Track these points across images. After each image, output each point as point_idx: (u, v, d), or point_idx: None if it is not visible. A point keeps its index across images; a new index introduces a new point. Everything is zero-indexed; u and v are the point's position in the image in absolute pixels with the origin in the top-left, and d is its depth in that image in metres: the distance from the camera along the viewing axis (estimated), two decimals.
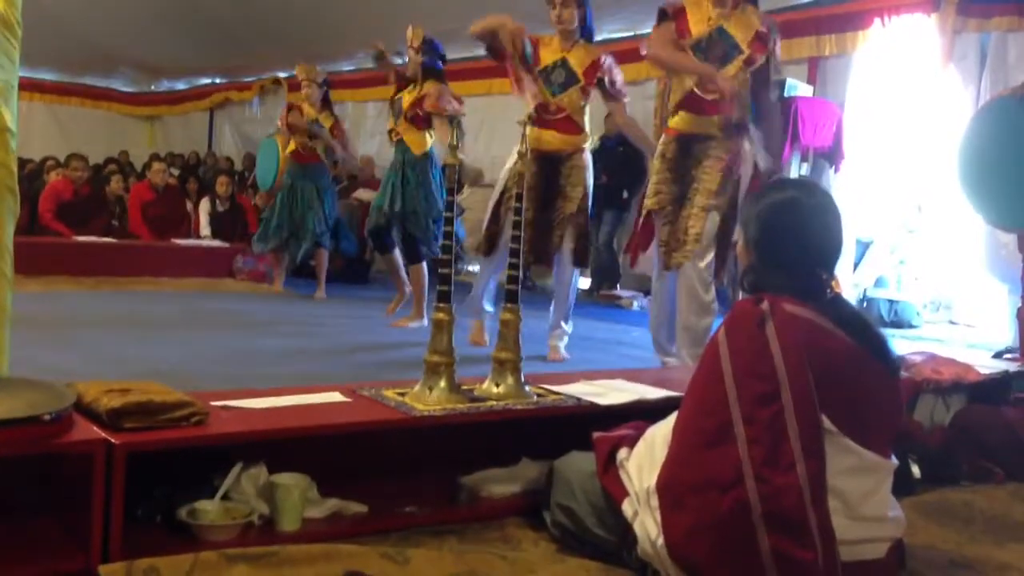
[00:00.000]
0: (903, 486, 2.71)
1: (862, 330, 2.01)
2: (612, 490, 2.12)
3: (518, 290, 2.78)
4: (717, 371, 1.94)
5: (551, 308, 4.97)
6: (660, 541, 1.93)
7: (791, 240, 2.06)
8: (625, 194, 8.50)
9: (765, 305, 1.95)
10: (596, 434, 2.28)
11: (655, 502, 1.96)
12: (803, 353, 1.90)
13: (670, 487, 1.95)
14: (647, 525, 1.98)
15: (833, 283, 2.08)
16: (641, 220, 4.48)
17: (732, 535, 1.84)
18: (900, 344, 5.71)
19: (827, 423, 1.90)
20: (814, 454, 1.86)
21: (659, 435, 2.09)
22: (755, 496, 1.83)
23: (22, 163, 8.88)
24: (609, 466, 2.17)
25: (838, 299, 2.07)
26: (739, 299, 2.07)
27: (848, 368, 1.95)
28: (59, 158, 10.52)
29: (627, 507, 2.05)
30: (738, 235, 2.22)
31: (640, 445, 2.14)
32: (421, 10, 8.61)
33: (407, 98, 5.79)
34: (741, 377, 1.91)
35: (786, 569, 1.80)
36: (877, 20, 6.84)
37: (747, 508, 1.83)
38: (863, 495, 1.95)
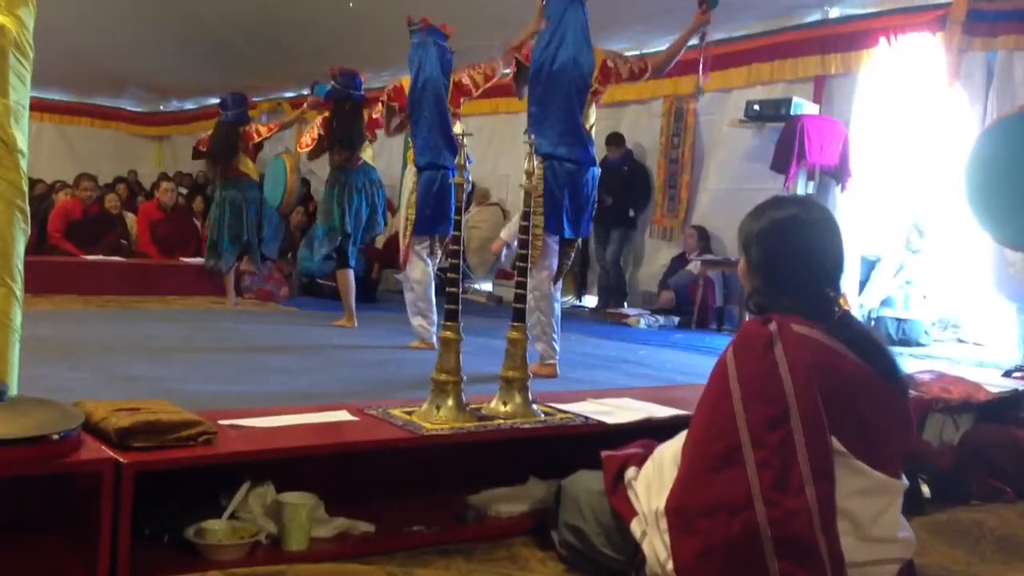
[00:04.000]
0: (913, 506, 2.70)
1: (871, 349, 2.00)
2: (620, 509, 2.11)
3: (525, 309, 2.78)
4: (725, 393, 1.93)
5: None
6: (669, 565, 1.91)
7: (795, 260, 2.03)
8: (631, 212, 8.51)
9: (773, 326, 1.93)
10: (605, 452, 2.27)
11: (664, 524, 1.95)
12: (812, 375, 1.88)
13: (679, 510, 1.93)
14: (656, 547, 1.97)
15: (841, 300, 2.05)
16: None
17: (742, 559, 1.83)
18: (908, 363, 5.68)
19: (837, 445, 1.88)
20: (824, 477, 1.85)
21: (668, 455, 2.08)
22: (764, 520, 1.81)
23: (31, 183, 8.93)
24: (617, 485, 2.15)
25: (846, 317, 2.05)
26: (746, 320, 2.05)
27: (857, 389, 1.94)
28: (68, 181, 10.57)
29: (635, 527, 2.04)
30: (739, 256, 2.20)
31: (648, 465, 2.13)
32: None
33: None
34: (749, 400, 1.89)
35: None
36: (883, 39, 6.85)
37: (756, 532, 1.81)
38: (873, 516, 1.94)
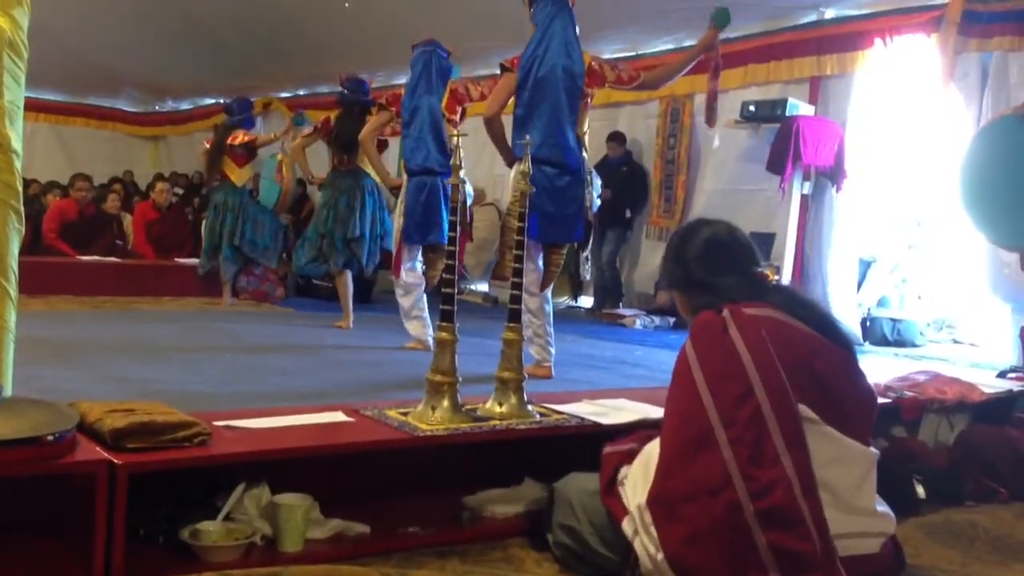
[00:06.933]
0: (907, 506, 2.71)
1: (810, 313, 2.10)
2: (613, 509, 2.12)
3: (520, 309, 2.78)
4: (689, 381, 1.99)
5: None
6: (660, 556, 1.93)
7: (724, 256, 2.19)
8: (628, 213, 8.51)
9: (725, 313, 2.04)
10: (607, 450, 2.28)
11: (648, 518, 1.98)
12: (769, 348, 1.96)
13: (661, 500, 1.97)
14: (645, 543, 1.98)
15: (768, 272, 2.21)
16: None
17: (729, 537, 1.86)
18: (904, 364, 5.70)
19: (808, 412, 1.95)
20: (797, 445, 1.90)
21: (653, 452, 2.10)
22: (745, 495, 1.86)
23: (26, 183, 8.91)
24: (612, 486, 2.17)
25: (779, 287, 2.20)
26: (699, 314, 2.14)
27: (814, 355, 2.02)
28: (62, 181, 10.54)
29: (627, 526, 2.05)
30: (673, 295, 2.36)
31: (635, 464, 2.15)
32: (423, 31, 8.66)
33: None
34: (713, 382, 1.96)
35: (786, 562, 1.82)
36: (878, 40, 6.85)
37: (739, 509, 1.85)
38: (851, 487, 1.99)
